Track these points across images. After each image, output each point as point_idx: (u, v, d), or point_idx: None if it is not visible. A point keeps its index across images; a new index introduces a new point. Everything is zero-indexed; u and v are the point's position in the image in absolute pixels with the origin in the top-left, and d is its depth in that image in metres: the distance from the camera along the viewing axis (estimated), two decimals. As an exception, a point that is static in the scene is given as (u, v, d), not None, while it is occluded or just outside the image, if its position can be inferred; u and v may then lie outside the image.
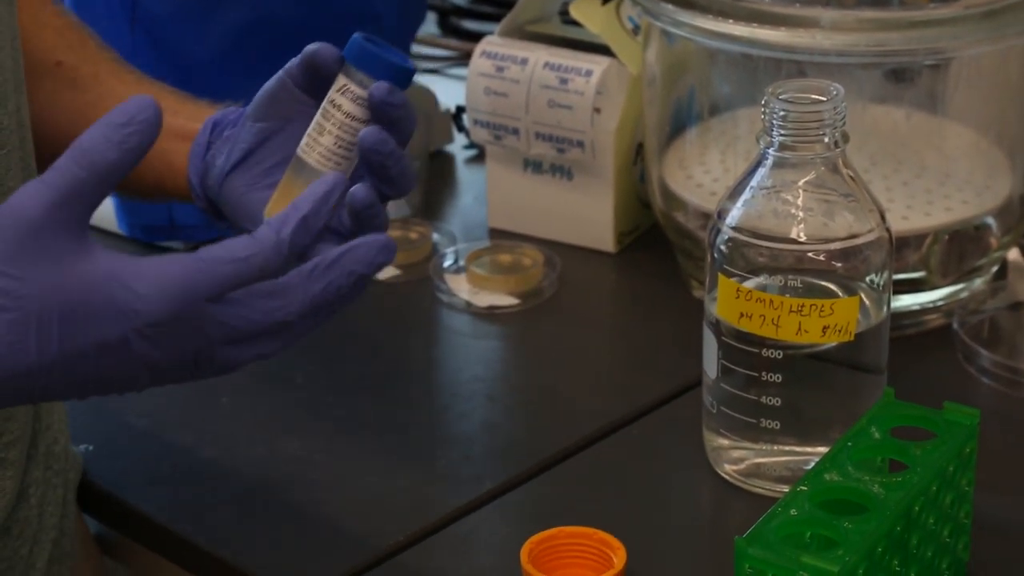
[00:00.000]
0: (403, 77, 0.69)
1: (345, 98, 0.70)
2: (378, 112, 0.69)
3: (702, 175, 1.01)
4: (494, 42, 1.05)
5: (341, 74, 0.70)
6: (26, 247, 0.60)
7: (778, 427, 0.80)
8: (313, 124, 0.70)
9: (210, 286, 0.61)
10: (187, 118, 0.79)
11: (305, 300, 0.63)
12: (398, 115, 0.69)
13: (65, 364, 0.61)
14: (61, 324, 0.60)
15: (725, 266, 0.79)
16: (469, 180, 1.16)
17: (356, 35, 0.70)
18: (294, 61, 0.73)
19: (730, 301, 0.79)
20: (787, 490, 0.71)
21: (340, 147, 0.70)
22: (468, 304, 1.00)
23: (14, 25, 0.75)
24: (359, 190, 0.70)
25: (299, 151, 0.70)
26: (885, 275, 0.80)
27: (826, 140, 0.78)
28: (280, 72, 0.73)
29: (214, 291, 0.61)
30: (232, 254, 0.61)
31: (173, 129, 0.78)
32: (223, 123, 0.77)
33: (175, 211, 1.05)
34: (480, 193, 1.12)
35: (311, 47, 0.71)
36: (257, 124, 0.74)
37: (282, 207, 0.66)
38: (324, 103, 0.70)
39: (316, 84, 0.72)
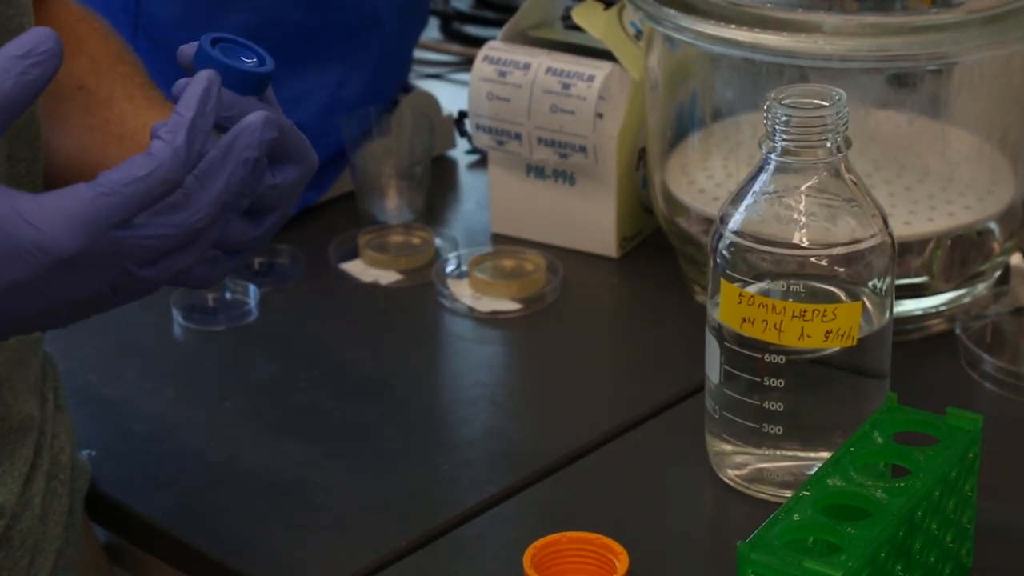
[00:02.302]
0: (250, 81, 0.65)
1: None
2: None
3: (704, 180, 1.01)
4: (496, 47, 1.05)
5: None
6: None
7: (781, 432, 0.80)
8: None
9: (116, 213, 0.59)
10: None
11: (210, 201, 0.61)
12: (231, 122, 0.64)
13: None
14: None
15: (728, 271, 0.79)
16: (472, 185, 1.16)
17: (203, 37, 0.66)
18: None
19: (733, 306, 0.79)
20: (790, 495, 0.71)
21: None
22: (471, 309, 1.00)
23: None
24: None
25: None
26: (888, 280, 0.80)
27: (828, 145, 0.78)
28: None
29: (121, 217, 0.59)
30: (132, 175, 0.59)
31: None
32: None
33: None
34: (483, 198, 1.12)
35: (180, 50, 0.67)
36: None
37: None
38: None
39: None
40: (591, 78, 1.02)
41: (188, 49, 0.65)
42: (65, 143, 0.82)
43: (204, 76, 0.61)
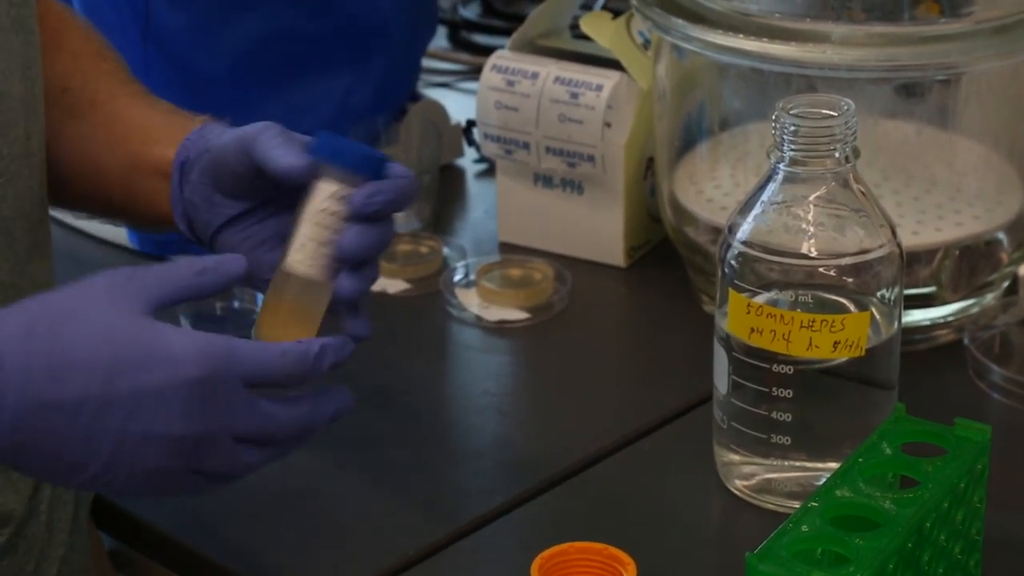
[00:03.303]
0: (378, 166, 0.71)
1: (329, 201, 0.71)
2: (360, 212, 0.71)
3: (712, 190, 1.01)
4: (505, 56, 1.05)
5: (320, 180, 0.71)
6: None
7: (789, 442, 0.80)
8: (310, 226, 0.71)
9: (242, 368, 0.65)
10: (165, 145, 0.79)
11: (308, 417, 0.69)
12: (379, 211, 0.71)
13: (103, 407, 0.63)
14: (112, 359, 0.63)
15: (736, 281, 0.79)
16: (479, 194, 1.16)
17: (322, 133, 0.72)
18: (245, 154, 0.74)
19: (741, 316, 0.79)
20: (798, 506, 0.71)
21: (324, 247, 0.71)
22: (478, 318, 1.00)
23: (29, 54, 0.75)
24: (345, 288, 0.72)
25: (286, 265, 0.71)
26: (896, 290, 0.80)
27: (837, 155, 0.78)
28: (241, 155, 0.74)
29: (249, 370, 0.66)
30: (274, 349, 0.66)
31: (151, 162, 0.79)
32: (188, 163, 0.77)
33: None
34: (490, 207, 1.12)
35: (279, 164, 0.72)
36: (230, 200, 0.75)
37: (274, 324, 0.70)
38: (306, 213, 0.71)
39: (270, 186, 0.74)
40: (599, 87, 1.02)
41: (289, 169, 0.71)
42: (60, 152, 0.81)
43: (343, 339, 0.69)
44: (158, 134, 0.79)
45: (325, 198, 0.71)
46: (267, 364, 0.66)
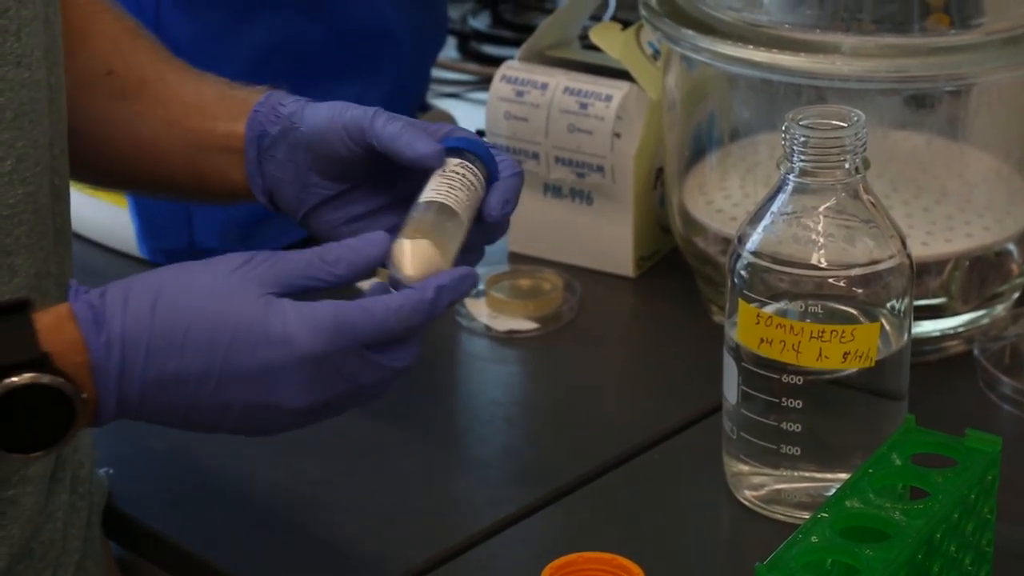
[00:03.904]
0: (490, 158, 0.76)
1: (468, 171, 0.74)
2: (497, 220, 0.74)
3: (722, 200, 1.01)
4: (514, 67, 1.06)
5: (456, 156, 0.74)
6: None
7: (798, 453, 0.80)
8: (440, 181, 0.73)
9: (361, 329, 0.66)
10: (228, 120, 0.79)
11: (418, 346, 0.69)
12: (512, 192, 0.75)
13: (223, 380, 0.65)
14: (232, 338, 0.65)
15: (745, 291, 0.79)
16: (488, 204, 1.16)
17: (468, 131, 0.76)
18: (357, 136, 0.75)
19: (750, 326, 0.79)
20: (808, 517, 0.70)
21: (469, 202, 0.73)
22: (487, 328, 1.00)
23: (51, 43, 0.75)
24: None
25: (440, 197, 0.72)
26: (906, 301, 0.80)
27: (847, 166, 0.78)
28: (347, 140, 0.75)
29: (364, 335, 0.66)
30: (387, 304, 0.67)
31: (217, 139, 0.79)
32: (267, 137, 0.78)
33: (195, 234, 1.05)
34: (500, 217, 1.12)
35: (413, 152, 0.73)
36: (329, 181, 0.76)
37: (420, 237, 0.70)
38: (449, 170, 0.73)
39: (386, 168, 0.75)
40: (609, 98, 1.02)
41: (426, 154, 0.72)
42: (113, 135, 0.81)
43: (466, 268, 0.69)
44: (216, 109, 0.80)
45: (460, 164, 0.73)
46: (382, 325, 0.66)
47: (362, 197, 0.77)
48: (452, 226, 0.71)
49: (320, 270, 0.68)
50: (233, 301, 0.66)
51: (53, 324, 0.65)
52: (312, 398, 0.66)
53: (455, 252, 0.71)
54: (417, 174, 0.73)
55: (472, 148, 0.74)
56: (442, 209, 0.72)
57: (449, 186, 0.73)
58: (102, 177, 0.84)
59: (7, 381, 0.64)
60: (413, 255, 0.69)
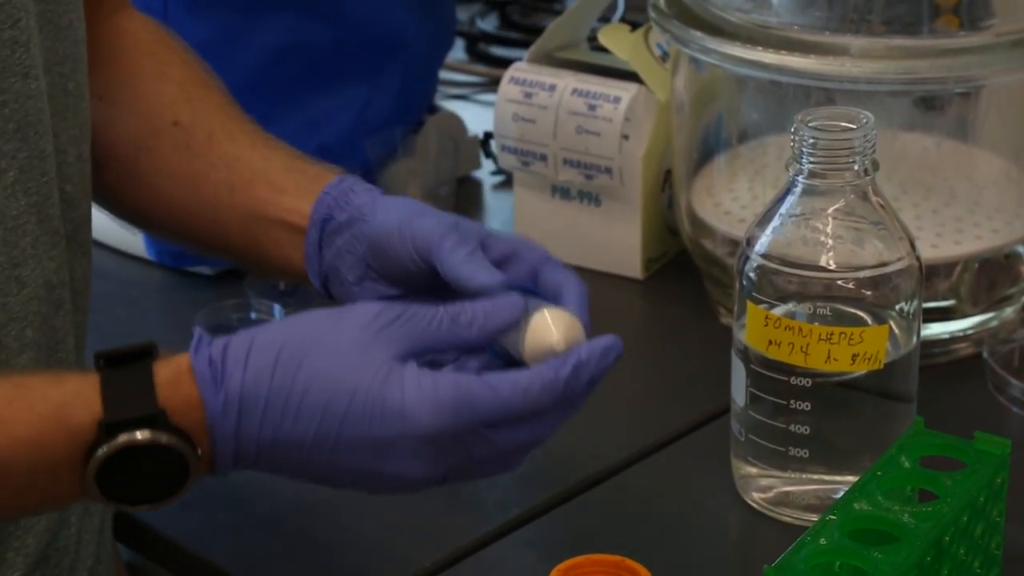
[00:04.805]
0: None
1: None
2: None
3: (730, 202, 1.01)
4: (522, 68, 1.05)
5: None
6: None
7: (807, 455, 0.80)
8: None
9: (486, 409, 0.64)
10: (295, 195, 0.78)
11: (554, 426, 0.66)
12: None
13: (338, 447, 0.64)
14: (349, 407, 0.64)
15: (754, 293, 0.79)
16: (497, 206, 1.16)
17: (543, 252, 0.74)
18: (424, 253, 0.73)
19: (759, 328, 0.78)
20: (816, 519, 0.70)
21: None
22: (495, 330, 1.00)
23: (61, 51, 0.74)
24: None
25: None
26: (915, 303, 0.79)
27: (856, 168, 0.77)
28: (413, 252, 0.73)
29: (488, 415, 0.64)
30: (515, 383, 0.64)
31: (280, 212, 0.78)
32: (332, 222, 0.76)
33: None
34: (508, 219, 1.12)
35: (473, 283, 0.71)
36: (386, 283, 0.75)
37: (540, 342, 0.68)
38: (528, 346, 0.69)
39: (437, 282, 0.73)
40: (617, 99, 1.02)
41: (487, 279, 0.70)
42: (173, 188, 0.80)
43: (608, 339, 0.67)
44: (283, 181, 0.79)
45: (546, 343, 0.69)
46: (506, 406, 0.64)
47: (415, 300, 0.74)
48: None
49: (450, 333, 0.66)
50: (354, 367, 0.64)
51: (172, 378, 0.64)
52: (428, 471, 0.65)
53: None
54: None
55: (536, 294, 0.71)
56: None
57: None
58: (153, 225, 0.83)
59: (124, 439, 0.63)
60: (559, 321, 0.67)
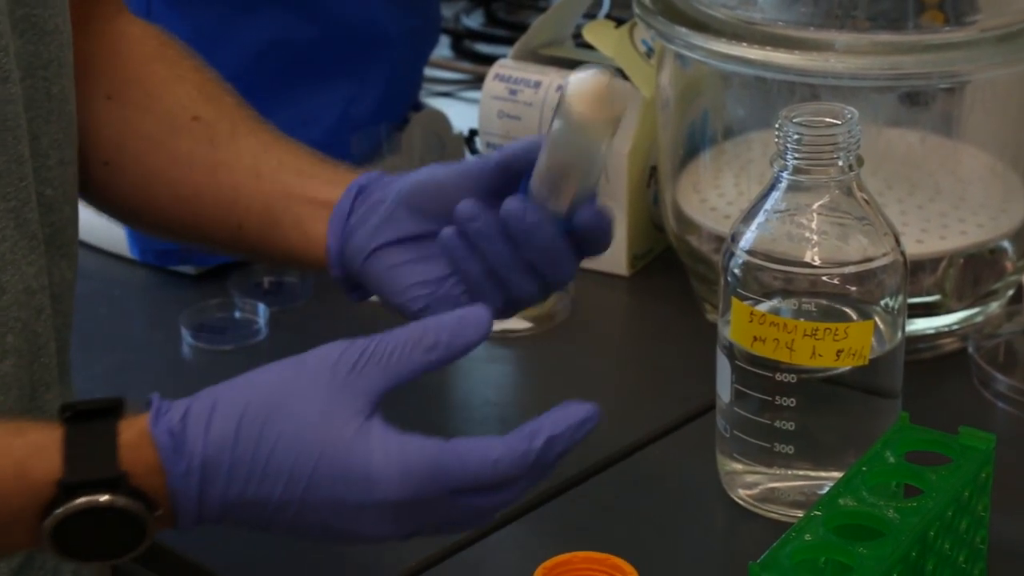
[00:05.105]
0: None
1: None
2: None
3: (716, 198, 1.01)
4: (507, 65, 1.05)
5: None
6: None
7: (792, 451, 0.80)
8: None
9: (454, 478, 0.63)
10: (325, 182, 0.79)
11: (522, 491, 0.65)
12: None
13: (303, 508, 0.64)
14: (313, 472, 0.63)
15: (739, 289, 0.79)
16: (482, 203, 1.16)
17: None
18: (476, 164, 0.74)
19: (744, 325, 0.78)
20: (801, 515, 0.70)
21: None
22: (481, 327, 1.00)
23: (43, 55, 0.74)
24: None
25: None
26: (900, 299, 0.79)
27: (840, 163, 0.77)
28: (452, 170, 0.74)
29: (457, 484, 0.64)
30: (485, 455, 0.63)
31: (309, 191, 0.78)
32: (370, 188, 0.77)
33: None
34: (493, 216, 1.11)
35: (508, 153, 0.72)
36: (419, 216, 0.75)
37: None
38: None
39: (507, 183, 0.74)
40: (602, 96, 1.02)
41: (516, 153, 0.73)
42: (190, 178, 0.80)
43: (585, 409, 0.65)
44: (314, 171, 0.79)
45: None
46: (475, 478, 0.63)
47: (427, 243, 0.75)
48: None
49: (416, 362, 0.65)
50: (318, 428, 0.63)
51: (135, 440, 0.64)
52: (394, 532, 0.65)
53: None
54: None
55: None
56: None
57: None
58: (158, 220, 0.82)
59: (83, 501, 0.63)
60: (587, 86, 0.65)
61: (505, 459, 0.64)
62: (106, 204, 0.84)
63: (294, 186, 0.79)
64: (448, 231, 0.74)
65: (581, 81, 0.67)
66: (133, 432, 0.64)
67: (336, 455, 0.63)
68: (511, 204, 0.72)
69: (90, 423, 0.64)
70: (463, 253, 0.74)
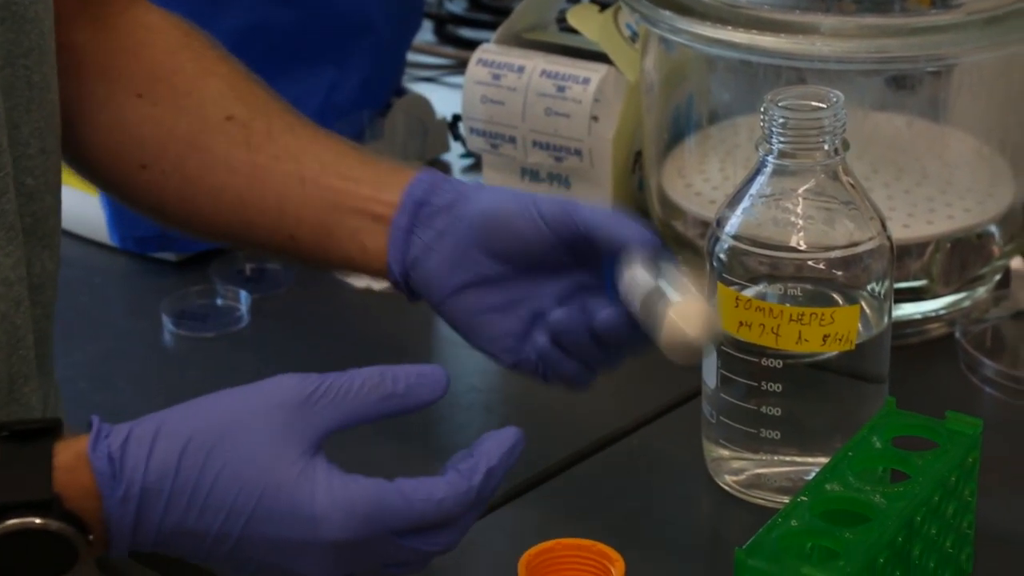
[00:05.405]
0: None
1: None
2: None
3: (701, 183, 1.00)
4: (490, 50, 1.05)
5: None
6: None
7: (778, 437, 0.79)
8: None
9: (397, 519, 0.63)
10: (373, 186, 0.77)
11: (464, 530, 0.66)
12: None
13: (242, 543, 0.63)
14: (256, 507, 0.63)
15: (724, 275, 0.78)
16: (466, 189, 1.15)
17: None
18: (551, 211, 0.73)
19: (729, 310, 0.78)
20: (788, 501, 0.70)
21: None
22: (465, 314, 0.99)
23: (23, 43, 0.73)
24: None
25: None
26: (886, 284, 0.79)
27: (826, 147, 0.77)
28: (523, 208, 0.73)
29: (400, 524, 0.63)
30: (429, 495, 0.64)
31: (358, 202, 0.77)
32: (430, 207, 0.75)
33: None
34: (477, 202, 1.11)
35: (591, 225, 0.72)
36: (492, 256, 0.74)
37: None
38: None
39: (583, 251, 0.73)
40: (586, 81, 1.01)
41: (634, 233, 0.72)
42: (233, 184, 0.79)
43: (512, 435, 0.66)
44: (359, 173, 0.77)
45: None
46: (420, 517, 0.64)
47: (517, 286, 0.74)
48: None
49: (370, 406, 0.65)
50: (263, 464, 0.62)
51: (71, 463, 0.63)
52: (333, 573, 0.64)
53: None
54: (590, 264, 0.73)
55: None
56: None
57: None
58: (202, 225, 0.81)
59: (12, 522, 0.62)
60: (688, 317, 0.68)
61: (449, 499, 0.64)
62: (152, 211, 0.83)
63: (342, 194, 0.77)
64: (544, 342, 0.74)
65: (685, 307, 0.70)
66: (70, 454, 0.63)
67: (280, 492, 0.63)
68: (609, 319, 0.72)
69: (25, 444, 0.64)
70: (557, 357, 0.75)
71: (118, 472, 0.63)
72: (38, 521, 0.62)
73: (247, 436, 0.63)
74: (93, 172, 0.82)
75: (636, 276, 0.72)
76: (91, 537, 0.63)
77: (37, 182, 0.75)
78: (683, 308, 0.69)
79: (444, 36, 1.36)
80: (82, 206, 1.06)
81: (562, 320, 0.73)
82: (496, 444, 0.66)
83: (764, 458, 0.80)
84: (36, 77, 0.74)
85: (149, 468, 0.63)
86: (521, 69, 1.03)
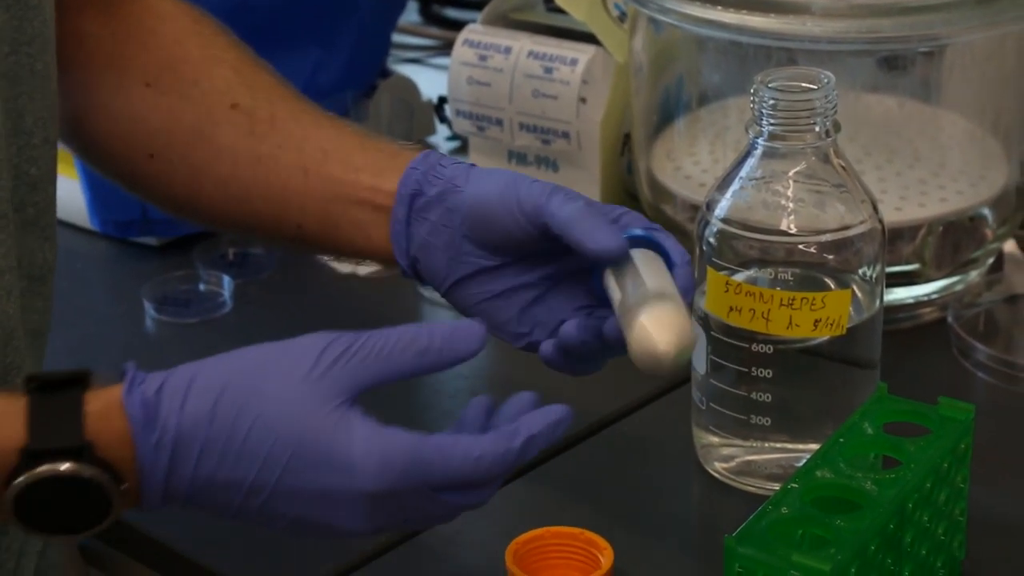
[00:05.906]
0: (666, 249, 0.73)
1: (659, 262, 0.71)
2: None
3: (691, 166, 0.99)
4: (477, 31, 1.04)
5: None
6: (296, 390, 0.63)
7: (769, 423, 0.78)
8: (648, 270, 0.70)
9: (435, 472, 0.62)
10: (374, 174, 0.76)
11: (496, 487, 0.65)
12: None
13: (275, 495, 0.62)
14: (292, 456, 0.62)
15: (714, 259, 0.78)
16: (453, 172, 1.14)
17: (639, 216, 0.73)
18: (533, 206, 0.72)
19: (719, 295, 0.77)
20: (778, 488, 0.69)
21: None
22: (452, 299, 0.98)
23: (27, 30, 0.72)
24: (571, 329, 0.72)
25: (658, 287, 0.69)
26: (878, 267, 0.78)
27: (817, 129, 0.76)
28: (508, 200, 0.72)
29: (437, 479, 0.63)
30: (467, 452, 0.63)
31: (360, 192, 0.76)
32: (422, 197, 0.75)
33: (148, 207, 1.03)
34: (464, 186, 1.10)
35: (595, 247, 0.70)
36: (485, 252, 0.73)
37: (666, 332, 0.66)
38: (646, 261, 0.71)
39: (555, 244, 0.72)
40: (574, 62, 1.00)
41: (608, 241, 0.69)
42: (239, 174, 0.78)
43: (559, 410, 0.65)
44: (360, 161, 0.76)
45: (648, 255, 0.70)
46: (457, 473, 0.62)
47: (513, 273, 0.74)
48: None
49: (405, 363, 0.64)
50: (299, 413, 0.62)
51: (103, 411, 0.62)
52: (364, 525, 0.63)
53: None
54: (580, 256, 0.71)
55: (650, 239, 0.71)
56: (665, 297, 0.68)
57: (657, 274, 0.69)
58: (208, 214, 0.80)
59: (46, 468, 0.61)
60: (661, 326, 0.66)
61: (487, 458, 0.63)
62: (161, 201, 0.82)
63: (344, 185, 0.76)
64: (552, 351, 0.73)
65: (659, 319, 0.67)
66: (102, 402, 0.62)
67: (318, 441, 0.62)
68: (615, 332, 0.71)
69: (57, 393, 0.63)
70: (563, 362, 0.74)
71: (152, 418, 0.62)
72: (69, 467, 0.61)
73: (283, 386, 0.62)
74: (103, 162, 0.82)
75: (608, 284, 0.70)
76: (124, 486, 0.62)
77: (41, 172, 0.74)
78: (655, 320, 0.67)
79: (430, 17, 1.35)
80: (63, 190, 1.03)
81: (572, 335, 0.73)
82: (542, 415, 0.65)
83: (754, 445, 0.80)
84: (39, 65, 0.73)
85: (184, 415, 0.62)
86: (508, 50, 1.02)
